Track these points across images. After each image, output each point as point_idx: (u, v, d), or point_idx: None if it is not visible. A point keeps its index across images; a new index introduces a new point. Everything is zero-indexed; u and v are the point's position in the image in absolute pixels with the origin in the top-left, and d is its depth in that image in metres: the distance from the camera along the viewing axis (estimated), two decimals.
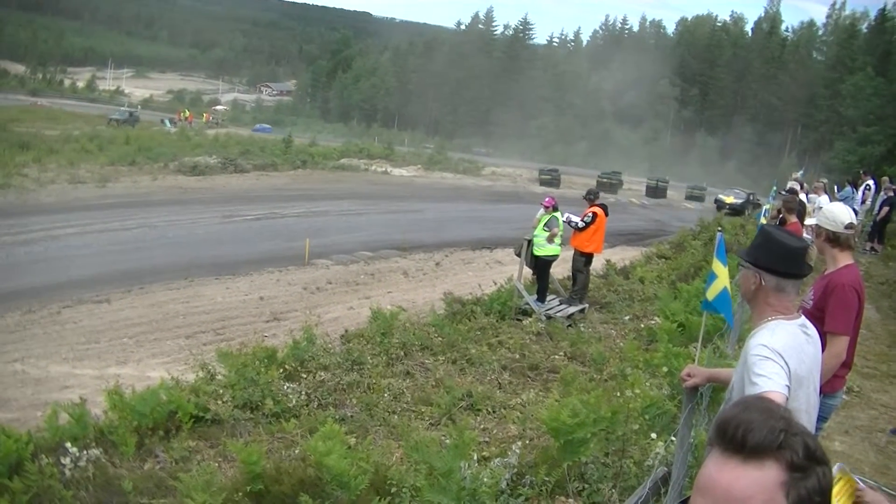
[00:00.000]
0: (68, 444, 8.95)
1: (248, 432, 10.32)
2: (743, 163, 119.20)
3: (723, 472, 1.84)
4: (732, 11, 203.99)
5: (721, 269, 8.34)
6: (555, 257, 18.91)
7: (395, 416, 11.03)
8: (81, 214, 40.78)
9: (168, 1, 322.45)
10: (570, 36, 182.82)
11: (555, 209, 18.75)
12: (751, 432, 1.81)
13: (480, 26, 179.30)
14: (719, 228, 21.17)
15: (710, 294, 8.43)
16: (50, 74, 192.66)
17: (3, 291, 26.16)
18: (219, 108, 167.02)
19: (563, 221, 18.81)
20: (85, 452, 8.90)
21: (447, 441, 8.36)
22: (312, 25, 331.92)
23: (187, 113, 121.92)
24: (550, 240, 18.45)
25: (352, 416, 10.95)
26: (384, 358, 13.64)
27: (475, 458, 8.07)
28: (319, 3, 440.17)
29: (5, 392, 17.91)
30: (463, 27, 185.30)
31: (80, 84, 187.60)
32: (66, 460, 8.68)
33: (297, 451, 9.25)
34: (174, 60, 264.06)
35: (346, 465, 7.66)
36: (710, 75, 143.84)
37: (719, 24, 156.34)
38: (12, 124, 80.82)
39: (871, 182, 28.43)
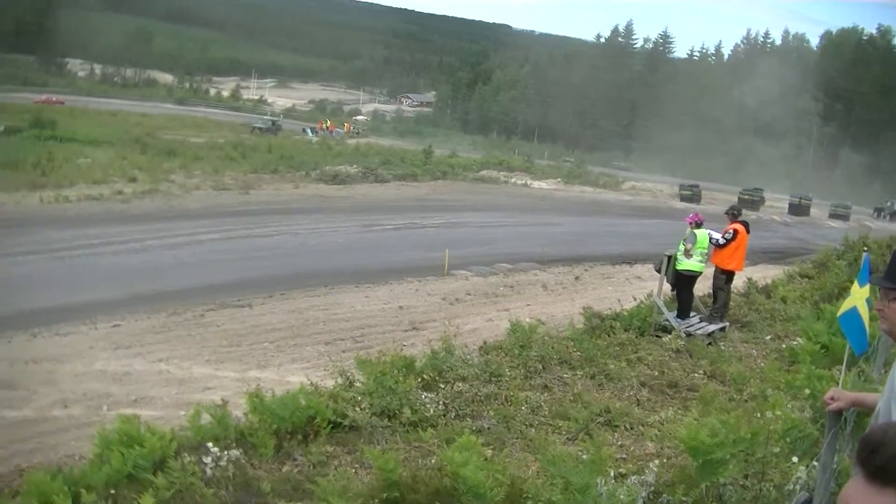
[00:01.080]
0: (210, 444, 9.14)
1: (384, 440, 10.39)
2: (892, 182, 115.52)
3: (851, 486, 1.86)
4: (879, 24, 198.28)
5: (856, 290, 8.17)
6: (695, 273, 18.70)
7: (532, 430, 10.99)
8: (225, 220, 41.78)
9: (311, 13, 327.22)
10: (711, 49, 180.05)
11: (697, 225, 18.57)
12: (876, 455, 1.81)
13: (620, 39, 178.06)
14: (865, 248, 20.74)
15: (840, 311, 8.28)
16: (196, 84, 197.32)
17: (150, 293, 26.93)
18: (359, 118, 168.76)
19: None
20: (225, 453, 9.07)
21: (584, 456, 8.34)
22: (452, 37, 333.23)
23: (328, 122, 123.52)
24: (688, 255, 18.30)
25: (489, 428, 10.94)
26: (522, 371, 13.62)
27: (612, 474, 8.04)
28: (459, 16, 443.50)
29: (151, 391, 18.40)
30: (602, 40, 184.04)
31: (225, 93, 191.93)
32: (208, 459, 8.86)
33: (433, 461, 9.29)
34: (316, 71, 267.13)
35: (482, 477, 7.69)
36: (856, 90, 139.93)
37: (865, 38, 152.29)
38: (160, 132, 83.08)
39: None
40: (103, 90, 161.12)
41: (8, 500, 9.09)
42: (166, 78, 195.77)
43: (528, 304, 28.46)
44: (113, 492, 8.29)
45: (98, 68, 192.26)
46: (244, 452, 9.41)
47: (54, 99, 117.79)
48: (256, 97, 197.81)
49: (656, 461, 8.76)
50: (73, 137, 70.51)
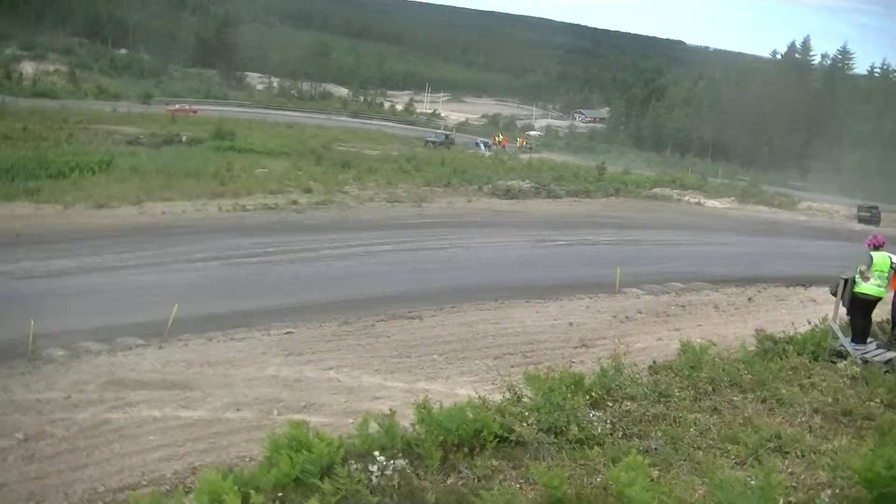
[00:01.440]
0: (376, 453, 9.28)
1: (550, 456, 10.37)
2: None
3: None
4: None
5: None
6: (872, 297, 18.11)
7: (700, 452, 10.85)
8: (397, 232, 42.41)
9: (485, 29, 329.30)
10: (894, 66, 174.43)
11: (876, 248, 18.05)
12: None
13: (797, 55, 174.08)
14: None
15: None
16: (370, 97, 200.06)
17: (322, 302, 27.56)
18: (532, 133, 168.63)
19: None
20: (391, 462, 9.18)
21: (752, 482, 8.22)
22: (626, 53, 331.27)
23: (501, 137, 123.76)
24: (864, 278, 17.80)
25: (656, 449, 10.84)
26: (691, 392, 13.47)
27: (781, 502, 7.90)
28: (633, 32, 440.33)
29: (320, 398, 18.80)
30: (779, 56, 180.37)
31: (399, 107, 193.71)
32: (374, 468, 8.99)
33: (598, 480, 9.27)
34: (489, 85, 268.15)
35: (647, 498, 7.64)
36: None
37: None
38: (335, 144, 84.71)
39: None
40: (280, 103, 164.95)
41: (182, 497, 9.39)
42: (341, 91, 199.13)
43: (700, 325, 28.11)
44: (280, 494, 8.50)
45: (276, 82, 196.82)
46: (410, 463, 9.51)
47: (187, 107, 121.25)
48: (430, 111, 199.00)
49: (828, 491, 8.60)
50: (251, 148, 72.38)
